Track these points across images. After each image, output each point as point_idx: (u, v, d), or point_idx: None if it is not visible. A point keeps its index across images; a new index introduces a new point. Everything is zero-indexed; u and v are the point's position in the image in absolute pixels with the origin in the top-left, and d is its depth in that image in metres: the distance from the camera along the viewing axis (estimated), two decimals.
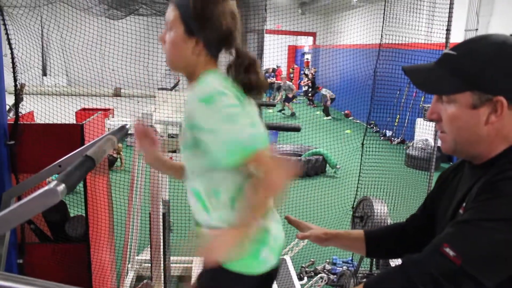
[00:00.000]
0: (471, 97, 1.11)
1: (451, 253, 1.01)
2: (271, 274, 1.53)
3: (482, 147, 1.15)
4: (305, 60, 23.05)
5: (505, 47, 1.10)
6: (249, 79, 1.47)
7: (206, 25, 1.41)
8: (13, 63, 2.55)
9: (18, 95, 2.68)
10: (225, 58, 1.53)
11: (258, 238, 1.45)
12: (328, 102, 15.56)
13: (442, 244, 1.04)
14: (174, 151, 3.69)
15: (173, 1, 1.47)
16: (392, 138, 11.37)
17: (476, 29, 9.40)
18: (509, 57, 1.09)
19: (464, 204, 1.15)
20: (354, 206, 4.15)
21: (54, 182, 1.18)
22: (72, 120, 6.86)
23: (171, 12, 1.45)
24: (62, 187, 1.18)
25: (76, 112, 7.60)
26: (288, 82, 17.62)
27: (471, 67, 1.11)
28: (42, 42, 14.08)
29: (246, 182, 1.41)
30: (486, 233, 1.00)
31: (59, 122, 3.88)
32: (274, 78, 20.01)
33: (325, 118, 15.19)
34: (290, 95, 16.62)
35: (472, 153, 1.18)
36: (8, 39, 2.51)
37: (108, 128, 6.99)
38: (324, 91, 15.76)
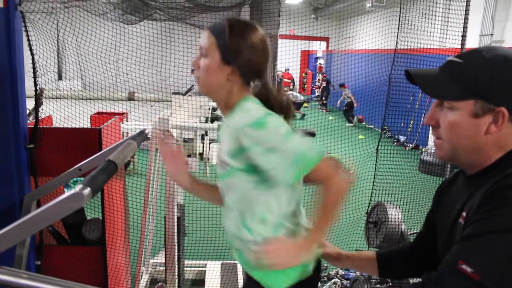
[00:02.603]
0: (474, 105, 1.11)
1: (468, 269, 1.00)
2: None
3: (478, 156, 1.16)
4: (318, 65, 23.04)
5: (510, 59, 1.11)
6: (276, 107, 1.50)
7: (241, 54, 1.43)
8: (34, 68, 2.59)
9: (38, 99, 2.73)
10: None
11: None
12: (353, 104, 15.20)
13: (457, 261, 1.03)
14: (189, 155, 3.72)
15: (209, 27, 1.48)
16: (406, 144, 11.31)
17: (492, 34, 9.33)
18: None
19: (464, 214, 1.14)
20: (368, 211, 4.15)
21: (80, 186, 1.21)
22: (87, 124, 6.93)
23: (206, 39, 1.46)
24: (87, 190, 1.21)
25: (91, 116, 7.67)
26: (294, 93, 17.49)
27: (477, 76, 1.11)
28: (57, 46, 14.24)
29: (291, 204, 1.48)
30: (500, 245, 1.00)
31: (74, 125, 3.93)
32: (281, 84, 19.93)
33: (347, 124, 14.85)
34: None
35: (468, 161, 1.19)
36: (30, 45, 2.56)
37: (123, 132, 7.05)
38: (347, 91, 15.18)
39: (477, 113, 1.11)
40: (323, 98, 18.86)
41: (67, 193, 1.20)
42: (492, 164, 1.15)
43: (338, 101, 16.15)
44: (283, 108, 1.52)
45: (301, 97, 16.94)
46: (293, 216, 1.51)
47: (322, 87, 19.04)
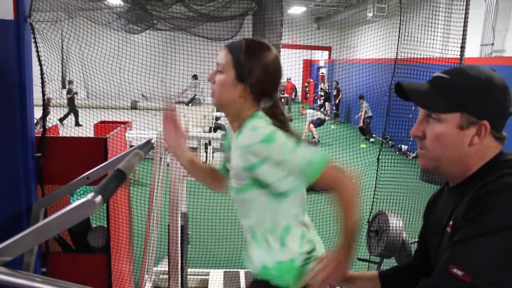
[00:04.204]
0: (460, 118, 1.21)
1: (459, 272, 1.08)
2: None
3: (460, 166, 1.25)
4: (321, 74, 23.11)
5: (492, 78, 1.21)
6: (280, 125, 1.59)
7: (254, 74, 1.53)
8: (42, 78, 2.65)
9: (46, 109, 2.78)
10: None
11: (306, 255, 1.63)
12: (361, 122, 14.13)
13: (449, 266, 1.10)
14: None
15: (227, 45, 1.58)
16: (408, 153, 11.34)
17: (492, 44, 9.38)
18: (496, 86, 1.20)
19: (451, 222, 1.22)
20: (369, 220, 4.17)
21: (92, 194, 1.26)
22: (91, 132, 6.97)
23: (224, 56, 1.57)
24: (99, 198, 1.26)
25: (94, 125, 7.70)
26: (315, 112, 15.01)
27: (463, 91, 1.21)
28: (62, 55, 14.34)
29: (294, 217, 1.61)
30: (487, 246, 1.08)
31: (78, 134, 3.98)
32: (284, 92, 19.80)
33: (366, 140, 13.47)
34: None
35: (451, 171, 1.27)
36: (38, 56, 2.62)
37: (126, 142, 7.08)
38: (364, 104, 14.00)
39: (462, 125, 1.21)
40: (334, 108, 18.39)
41: (80, 200, 1.25)
42: (474, 173, 1.24)
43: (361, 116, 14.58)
44: (286, 125, 1.60)
45: (323, 115, 15.01)
46: (297, 218, 1.64)
47: (337, 99, 18.07)
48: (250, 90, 1.55)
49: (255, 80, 1.54)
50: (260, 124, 1.52)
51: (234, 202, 1.67)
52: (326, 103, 19.57)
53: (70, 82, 14.57)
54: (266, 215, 1.58)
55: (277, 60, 1.59)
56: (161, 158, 3.61)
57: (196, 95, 13.71)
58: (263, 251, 1.62)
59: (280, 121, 1.59)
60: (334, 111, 18.40)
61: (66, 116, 14.32)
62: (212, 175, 1.86)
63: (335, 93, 18.27)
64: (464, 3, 4.02)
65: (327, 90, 19.71)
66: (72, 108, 14.43)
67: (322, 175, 1.45)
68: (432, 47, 4.50)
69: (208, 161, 3.73)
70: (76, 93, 14.58)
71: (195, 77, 13.48)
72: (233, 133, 1.65)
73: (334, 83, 18.21)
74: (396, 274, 1.64)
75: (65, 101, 14.56)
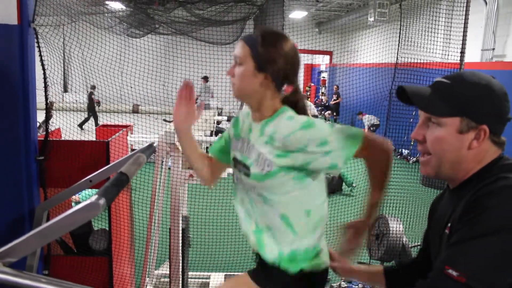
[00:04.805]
0: (460, 122, 1.24)
1: (454, 273, 1.11)
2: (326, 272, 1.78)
3: (459, 169, 1.28)
4: (322, 78, 23.12)
5: (492, 84, 1.25)
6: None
7: (274, 62, 1.57)
8: (45, 82, 2.67)
9: (48, 112, 2.79)
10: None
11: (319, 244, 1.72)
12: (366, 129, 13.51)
13: (444, 267, 1.13)
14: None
15: (243, 38, 1.64)
16: (408, 157, 11.34)
17: (493, 49, 9.40)
18: (496, 92, 1.24)
19: (449, 225, 1.26)
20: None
21: (95, 196, 1.28)
22: (92, 136, 7.01)
23: (241, 49, 1.61)
24: (103, 200, 1.28)
25: (96, 128, 7.75)
26: (310, 104, 16.04)
27: (463, 97, 1.25)
28: (63, 59, 14.39)
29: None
30: (482, 248, 1.10)
31: (79, 138, 3.99)
32: None
33: None
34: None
35: (452, 174, 1.31)
36: (41, 60, 2.64)
37: (128, 145, 7.10)
38: (366, 118, 13.98)
39: (462, 129, 1.24)
40: (335, 113, 18.35)
41: (84, 202, 1.27)
42: (471, 176, 1.27)
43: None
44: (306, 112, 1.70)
45: (315, 110, 15.76)
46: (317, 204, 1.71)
47: (335, 102, 18.07)
48: (271, 78, 1.60)
49: (275, 68, 1.58)
50: (294, 114, 1.61)
51: (248, 191, 1.69)
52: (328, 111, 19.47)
53: (93, 87, 14.55)
54: (290, 200, 1.62)
55: (294, 47, 1.64)
56: (162, 161, 3.64)
57: (197, 99, 13.55)
58: (279, 239, 1.65)
59: (302, 108, 1.68)
60: (334, 117, 18.33)
61: (96, 119, 14.41)
62: (208, 161, 1.91)
63: (334, 97, 18.26)
64: (464, 9, 4.04)
65: (325, 104, 19.69)
66: (91, 111, 14.49)
67: (361, 145, 1.56)
68: (433, 52, 4.52)
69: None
70: (99, 102, 14.55)
71: (205, 79, 13.19)
72: (253, 122, 1.71)
73: (335, 87, 18.19)
74: (400, 270, 1.69)
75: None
